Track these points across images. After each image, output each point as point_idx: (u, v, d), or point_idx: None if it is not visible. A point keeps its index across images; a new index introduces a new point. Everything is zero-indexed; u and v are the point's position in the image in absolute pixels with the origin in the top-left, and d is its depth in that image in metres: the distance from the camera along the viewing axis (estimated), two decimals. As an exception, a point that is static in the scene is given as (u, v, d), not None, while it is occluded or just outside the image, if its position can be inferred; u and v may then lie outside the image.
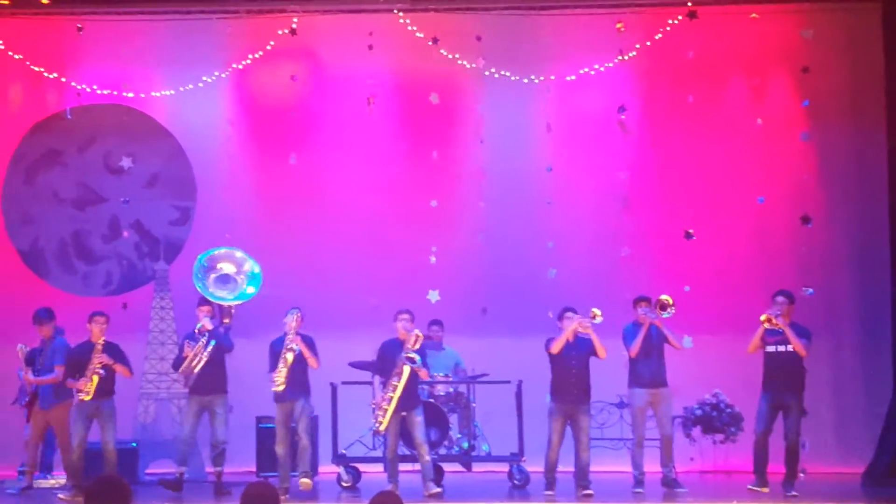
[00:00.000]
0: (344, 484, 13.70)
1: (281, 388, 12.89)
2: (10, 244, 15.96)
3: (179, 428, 13.93)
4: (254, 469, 14.46)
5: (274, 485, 6.54)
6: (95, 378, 12.87)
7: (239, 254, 13.73)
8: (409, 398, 12.77)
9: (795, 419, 12.56)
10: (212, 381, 13.13)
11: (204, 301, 13.25)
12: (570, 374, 12.81)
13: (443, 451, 13.73)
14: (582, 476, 12.75)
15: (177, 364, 13.39)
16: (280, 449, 13.02)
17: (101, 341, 13.00)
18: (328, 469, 14.22)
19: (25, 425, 13.78)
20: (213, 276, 13.30)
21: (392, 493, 6.47)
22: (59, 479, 13.77)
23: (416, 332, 12.84)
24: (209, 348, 13.03)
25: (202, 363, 13.02)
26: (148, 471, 14.81)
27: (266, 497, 6.15)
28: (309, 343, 13.09)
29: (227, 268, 13.41)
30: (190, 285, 13.69)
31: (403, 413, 12.72)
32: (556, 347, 12.78)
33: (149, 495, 12.95)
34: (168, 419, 15.05)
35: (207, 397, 13.13)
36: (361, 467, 14.00)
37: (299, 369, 12.99)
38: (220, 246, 13.82)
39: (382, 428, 12.76)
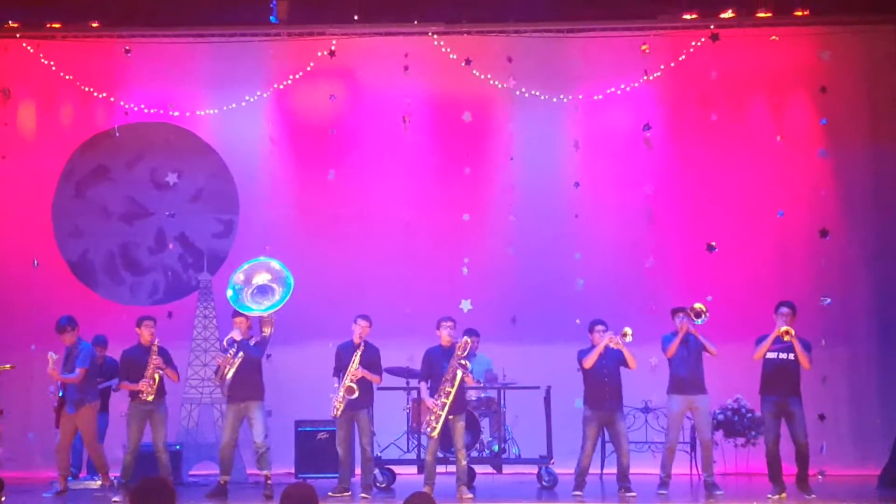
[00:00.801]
0: (379, 485, 13.93)
1: (338, 414, 13.12)
2: (60, 256, 16.38)
3: (221, 435, 14.04)
4: (292, 471, 14.77)
5: (312, 485, 6.60)
6: (157, 377, 13.19)
7: (272, 262, 13.70)
8: (458, 403, 12.92)
9: (801, 422, 12.73)
10: (246, 390, 13.28)
11: (237, 312, 13.45)
12: (605, 384, 13.16)
13: (474, 453, 13.96)
14: (624, 478, 13.12)
15: (216, 373, 13.62)
16: (341, 450, 13.23)
17: (156, 343, 13.32)
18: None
19: (56, 431, 13.88)
20: (249, 290, 13.42)
21: (426, 495, 6.71)
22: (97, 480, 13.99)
23: (466, 338, 12.97)
24: (237, 358, 13.27)
25: (232, 372, 13.24)
26: (191, 472, 15.18)
27: (305, 497, 6.31)
28: (372, 359, 13.23)
29: (261, 279, 13.52)
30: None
31: (451, 417, 12.85)
32: (589, 362, 13.15)
33: (192, 496, 13.23)
34: (210, 423, 15.36)
35: (243, 404, 13.30)
36: (396, 469, 14.34)
37: (361, 381, 13.18)
38: (246, 262, 13.82)
39: (436, 433, 12.85)
